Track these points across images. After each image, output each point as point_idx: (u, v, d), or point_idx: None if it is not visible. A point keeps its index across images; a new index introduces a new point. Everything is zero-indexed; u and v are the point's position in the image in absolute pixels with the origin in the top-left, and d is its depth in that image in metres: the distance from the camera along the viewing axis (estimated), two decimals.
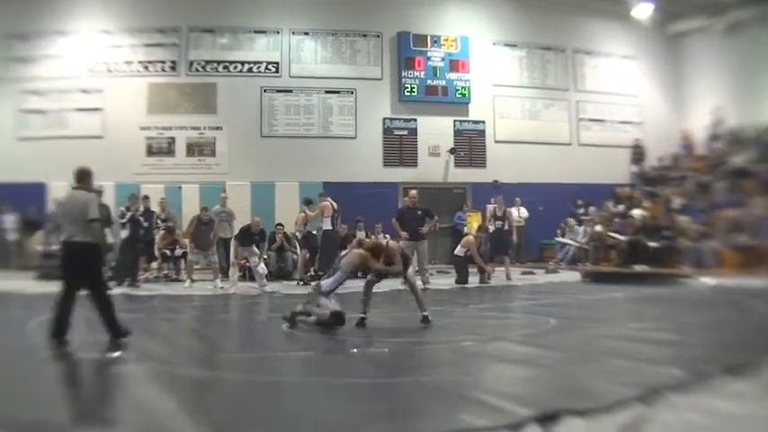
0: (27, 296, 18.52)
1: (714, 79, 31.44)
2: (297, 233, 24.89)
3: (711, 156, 30.21)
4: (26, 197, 25.74)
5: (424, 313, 13.09)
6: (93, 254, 11.28)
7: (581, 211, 30.11)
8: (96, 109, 28.37)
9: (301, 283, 23.04)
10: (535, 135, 32.13)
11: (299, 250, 24.46)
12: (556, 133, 32.69)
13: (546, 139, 32.24)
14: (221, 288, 21.67)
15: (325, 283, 13.04)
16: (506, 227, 24.58)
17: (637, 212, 27.23)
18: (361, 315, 13.10)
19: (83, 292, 11.11)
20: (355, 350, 11.09)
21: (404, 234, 21.41)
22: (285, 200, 27.20)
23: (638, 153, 32.98)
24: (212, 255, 22.96)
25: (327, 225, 23.06)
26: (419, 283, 20.68)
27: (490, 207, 25.29)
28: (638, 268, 23.80)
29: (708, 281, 20.62)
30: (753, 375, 8.30)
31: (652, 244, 24.62)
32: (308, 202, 24.66)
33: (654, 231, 25.30)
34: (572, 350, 10.65)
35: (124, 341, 10.88)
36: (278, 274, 24.69)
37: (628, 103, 33.82)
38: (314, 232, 24.73)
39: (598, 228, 27.62)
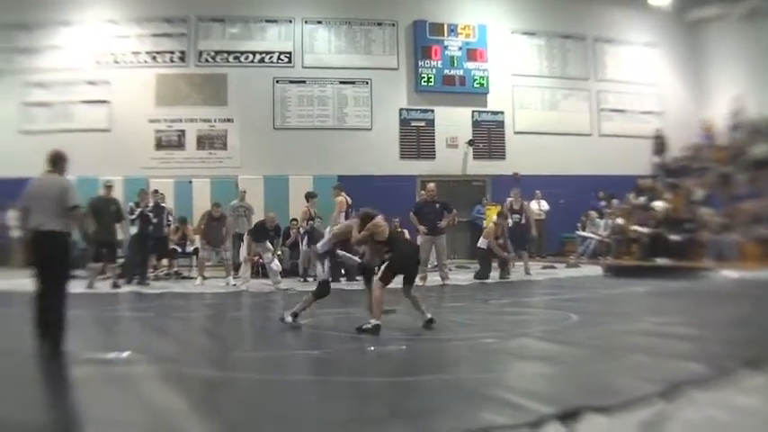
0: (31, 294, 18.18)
1: (734, 67, 30.99)
2: (300, 229, 24.14)
3: (732, 146, 29.56)
4: None
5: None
6: (66, 245, 10.54)
7: (603, 203, 29.43)
8: (103, 101, 28.11)
9: (302, 280, 22.92)
10: (555, 126, 31.70)
11: (302, 245, 23.76)
12: (576, 124, 32.23)
13: (566, 130, 31.80)
14: (233, 285, 21.36)
15: (319, 245, 12.81)
16: (523, 221, 23.99)
17: (658, 205, 26.64)
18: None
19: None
20: (373, 348, 10.83)
21: (422, 228, 21.24)
22: (299, 194, 26.07)
23: (659, 143, 32.41)
24: (224, 251, 22.68)
25: (341, 220, 22.43)
26: (437, 279, 20.43)
27: (507, 201, 24.52)
28: (660, 262, 23.28)
29: (730, 274, 20.31)
30: None
31: (674, 237, 24.04)
32: (311, 196, 24.02)
33: (675, 224, 24.75)
34: (593, 346, 10.47)
35: (59, 350, 10.00)
36: (292, 270, 24.10)
37: (649, 92, 33.35)
38: (323, 230, 24.02)
39: (620, 220, 26.99)
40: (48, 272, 10.25)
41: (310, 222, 23.48)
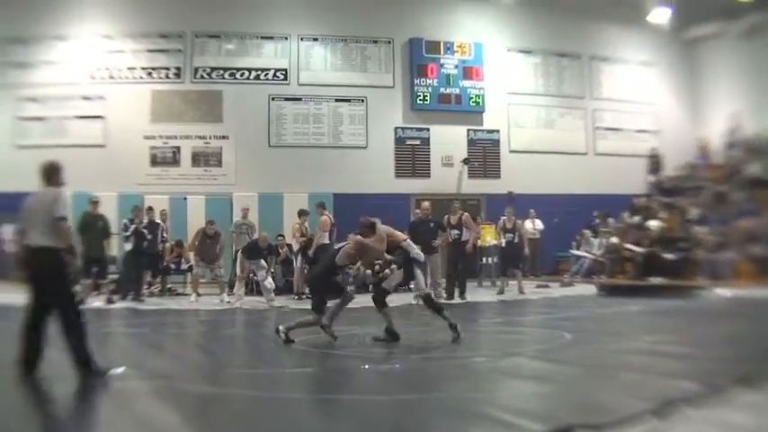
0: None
1: (731, 86, 31.16)
2: (293, 245, 24.20)
3: (727, 165, 29.57)
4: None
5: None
6: (58, 261, 9.74)
7: (597, 222, 29.35)
8: (98, 117, 28.04)
9: (296, 297, 22.93)
10: (550, 145, 31.77)
11: (296, 263, 23.81)
12: (572, 143, 32.29)
13: (561, 148, 31.87)
14: (228, 302, 21.39)
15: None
16: (517, 239, 23.92)
17: (653, 223, 26.63)
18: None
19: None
20: (366, 366, 10.83)
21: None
22: (293, 211, 26.01)
23: (654, 162, 32.36)
24: (218, 268, 22.80)
25: (324, 239, 22.54)
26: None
27: (501, 219, 24.50)
28: (654, 280, 23.23)
29: (724, 292, 20.46)
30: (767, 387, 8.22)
31: (668, 256, 24.01)
32: (303, 214, 24.29)
33: (670, 243, 24.71)
34: (586, 365, 10.55)
35: (96, 380, 9.35)
36: (286, 288, 24.13)
37: (645, 111, 33.45)
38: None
39: (614, 239, 26.96)
40: (40, 290, 9.75)
41: (302, 239, 23.48)
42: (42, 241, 9.70)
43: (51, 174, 10.14)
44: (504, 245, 23.98)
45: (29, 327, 9.62)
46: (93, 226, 20.84)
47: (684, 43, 33.52)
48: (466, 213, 23.08)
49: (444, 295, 21.40)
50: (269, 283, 21.08)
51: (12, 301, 19.17)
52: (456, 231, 22.17)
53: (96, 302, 20.30)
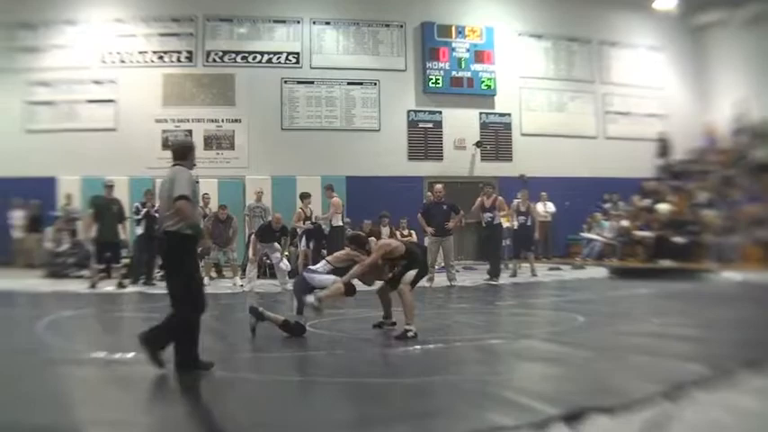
0: (37, 294, 18.84)
1: (738, 71, 31.04)
2: (297, 229, 24.13)
3: (734, 149, 29.56)
4: (36, 192, 25.57)
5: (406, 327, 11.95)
6: (176, 245, 8.93)
7: (607, 205, 29.41)
8: (109, 100, 28.05)
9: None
10: (561, 128, 31.74)
11: (301, 246, 23.99)
12: (582, 126, 32.30)
13: (572, 132, 31.88)
14: (241, 286, 21.32)
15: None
16: (529, 222, 23.98)
17: (663, 207, 26.66)
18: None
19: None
20: (380, 350, 10.96)
21: (429, 230, 21.32)
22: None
23: (663, 146, 32.33)
24: (231, 252, 22.82)
25: (338, 221, 22.91)
26: (445, 280, 20.47)
27: (514, 202, 24.50)
28: (664, 264, 23.29)
29: (733, 276, 20.53)
30: None
31: (677, 239, 24.06)
32: (305, 197, 24.27)
33: (679, 226, 24.75)
34: (598, 347, 10.66)
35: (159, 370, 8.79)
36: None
37: (653, 95, 33.43)
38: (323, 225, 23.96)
39: (624, 223, 27.00)
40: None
41: (307, 222, 23.48)
42: (165, 225, 9.01)
43: (180, 152, 9.44)
44: (516, 227, 23.98)
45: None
46: (108, 210, 20.86)
47: (692, 29, 33.47)
48: (500, 197, 23.30)
49: (457, 279, 21.60)
50: (284, 264, 21.10)
51: (18, 287, 19.52)
52: (489, 214, 22.43)
53: (108, 287, 20.37)
